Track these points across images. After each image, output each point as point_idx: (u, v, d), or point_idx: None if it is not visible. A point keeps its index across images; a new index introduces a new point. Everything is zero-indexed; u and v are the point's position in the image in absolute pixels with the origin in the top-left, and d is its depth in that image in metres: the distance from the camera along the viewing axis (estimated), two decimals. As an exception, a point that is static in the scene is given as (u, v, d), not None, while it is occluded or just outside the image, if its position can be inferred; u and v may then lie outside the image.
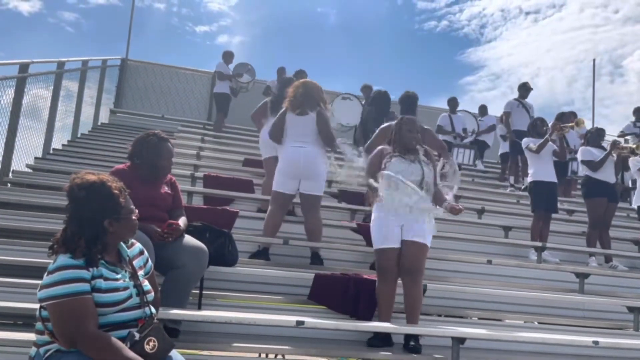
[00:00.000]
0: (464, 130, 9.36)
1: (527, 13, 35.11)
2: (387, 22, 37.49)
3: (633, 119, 10.30)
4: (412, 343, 3.67)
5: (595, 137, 6.90)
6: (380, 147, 4.06)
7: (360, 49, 37.60)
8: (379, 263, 3.82)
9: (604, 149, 6.77)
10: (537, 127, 6.69)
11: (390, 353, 3.57)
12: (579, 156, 6.84)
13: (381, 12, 37.30)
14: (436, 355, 3.60)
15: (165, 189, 3.58)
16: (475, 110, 10.63)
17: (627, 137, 7.52)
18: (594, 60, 14.95)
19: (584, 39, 34.72)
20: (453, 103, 9.56)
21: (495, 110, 10.75)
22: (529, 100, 9.15)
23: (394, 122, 4.30)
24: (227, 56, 10.33)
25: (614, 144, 6.69)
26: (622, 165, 8.75)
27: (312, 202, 4.76)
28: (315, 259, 4.79)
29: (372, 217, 3.91)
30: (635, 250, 6.96)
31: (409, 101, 5.69)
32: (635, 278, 5.81)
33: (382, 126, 5.18)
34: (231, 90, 10.21)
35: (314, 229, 4.79)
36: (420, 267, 3.77)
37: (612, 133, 11.37)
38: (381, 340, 3.72)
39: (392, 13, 37.48)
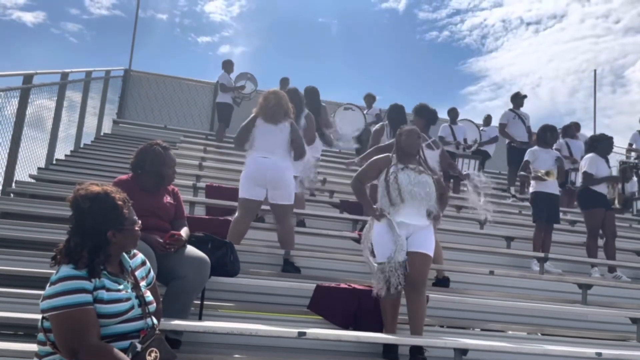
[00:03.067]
0: (465, 140, 9.39)
1: (528, 24, 35.29)
2: (389, 33, 37.70)
3: (639, 128, 10.32)
4: (419, 356, 3.66)
5: (605, 146, 6.72)
6: (378, 157, 4.08)
7: (362, 59, 37.77)
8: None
9: (607, 160, 6.68)
10: (546, 138, 6.54)
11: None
12: (583, 164, 6.64)
13: (382, 23, 37.52)
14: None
15: (168, 199, 3.59)
16: (478, 120, 10.67)
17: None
18: (595, 70, 14.99)
19: (585, 49, 34.86)
20: (453, 113, 9.60)
21: (496, 120, 10.79)
22: (525, 110, 9.22)
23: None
24: (228, 65, 10.38)
25: (616, 179, 6.57)
26: (622, 176, 8.76)
27: (283, 211, 4.75)
28: (289, 266, 4.75)
29: (375, 229, 3.86)
30: (638, 260, 6.93)
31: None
32: (638, 289, 5.78)
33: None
34: (233, 100, 10.25)
35: (286, 238, 4.78)
36: (424, 278, 3.77)
37: (615, 143, 11.39)
38: (393, 352, 3.72)
39: (393, 23, 37.70)
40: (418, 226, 3.78)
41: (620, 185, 6.54)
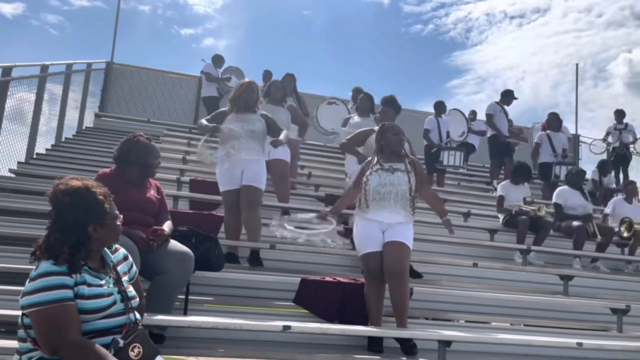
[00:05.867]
0: (448, 134, 9.45)
1: (512, 17, 35.53)
2: (374, 26, 37.72)
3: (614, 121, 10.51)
4: (409, 343, 3.71)
5: (575, 178, 7.04)
6: (365, 129, 4.28)
7: (347, 52, 37.75)
8: (365, 268, 3.87)
9: (583, 192, 6.98)
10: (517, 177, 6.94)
11: (378, 357, 3.58)
12: (555, 195, 7.01)
13: (367, 16, 37.51)
14: (423, 359, 3.61)
15: (152, 192, 3.57)
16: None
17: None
18: (577, 64, 15.08)
19: (568, 43, 35.23)
20: (440, 106, 9.65)
21: (480, 113, 10.85)
22: (508, 108, 9.31)
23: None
24: (217, 60, 10.28)
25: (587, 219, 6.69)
26: (602, 170, 8.90)
27: None
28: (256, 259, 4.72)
29: (355, 224, 3.93)
30: (618, 252, 7.04)
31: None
32: (619, 280, 5.89)
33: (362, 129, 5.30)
34: (218, 93, 10.16)
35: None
36: (403, 268, 3.75)
37: (595, 136, 11.58)
38: (378, 345, 3.74)
39: (378, 16, 37.71)
40: (391, 223, 3.80)
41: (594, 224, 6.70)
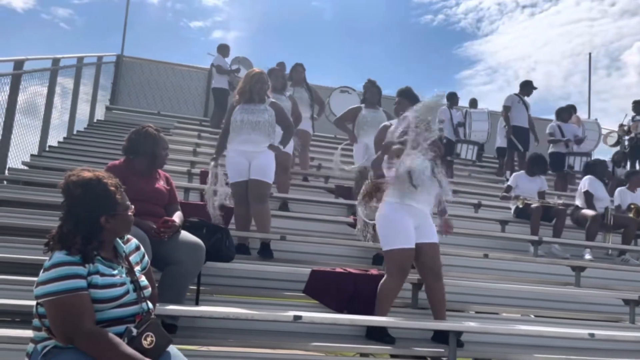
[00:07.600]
0: (460, 124, 9.37)
1: (524, 7, 35.17)
2: (383, 16, 37.54)
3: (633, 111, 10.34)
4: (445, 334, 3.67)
5: (600, 168, 7.03)
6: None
7: (356, 44, 37.62)
8: (399, 263, 3.74)
9: (604, 182, 6.97)
10: (533, 168, 6.85)
11: (387, 347, 3.59)
12: (587, 183, 6.83)
13: (377, 6, 37.33)
14: (434, 349, 3.62)
15: (161, 183, 3.60)
16: (464, 102, 10.64)
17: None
18: (590, 54, 14.88)
19: (581, 32, 34.82)
20: (453, 98, 9.58)
21: (491, 103, 10.76)
22: (528, 99, 9.15)
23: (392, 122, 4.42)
24: (224, 49, 10.28)
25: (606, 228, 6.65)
26: (616, 161, 8.80)
27: None
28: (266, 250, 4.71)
29: (384, 215, 3.78)
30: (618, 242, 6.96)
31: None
32: (631, 271, 5.84)
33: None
34: (229, 85, 10.17)
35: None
36: (440, 263, 3.89)
37: (608, 127, 11.44)
38: (384, 334, 3.73)
39: (388, 7, 37.52)
40: (426, 214, 3.82)
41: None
